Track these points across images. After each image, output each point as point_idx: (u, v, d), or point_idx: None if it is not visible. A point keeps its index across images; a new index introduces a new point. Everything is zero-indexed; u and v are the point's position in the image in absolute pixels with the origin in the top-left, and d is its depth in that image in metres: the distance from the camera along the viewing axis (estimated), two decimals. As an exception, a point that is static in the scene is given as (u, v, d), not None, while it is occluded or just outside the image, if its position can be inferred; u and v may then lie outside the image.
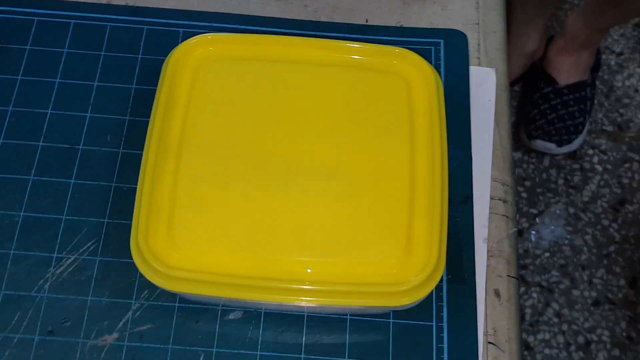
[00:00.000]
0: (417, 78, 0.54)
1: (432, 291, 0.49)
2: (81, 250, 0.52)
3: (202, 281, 0.46)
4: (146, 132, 0.52)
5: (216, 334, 0.50)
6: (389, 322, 0.51)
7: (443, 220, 0.48)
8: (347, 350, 0.50)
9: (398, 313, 0.52)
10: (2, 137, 0.56)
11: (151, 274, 0.46)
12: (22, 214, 0.53)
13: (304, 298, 0.46)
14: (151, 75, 0.59)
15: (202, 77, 0.53)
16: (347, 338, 0.51)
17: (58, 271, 0.52)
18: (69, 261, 0.52)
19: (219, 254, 0.47)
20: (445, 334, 0.51)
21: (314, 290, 0.46)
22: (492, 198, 0.56)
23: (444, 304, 0.52)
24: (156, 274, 0.46)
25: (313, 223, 0.48)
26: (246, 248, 0.47)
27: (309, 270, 0.47)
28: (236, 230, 0.48)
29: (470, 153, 0.57)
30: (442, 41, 0.62)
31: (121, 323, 0.50)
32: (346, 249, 0.47)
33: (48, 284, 0.51)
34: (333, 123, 0.52)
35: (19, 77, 0.59)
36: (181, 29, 0.62)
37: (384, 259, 0.47)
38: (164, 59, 0.55)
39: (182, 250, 0.47)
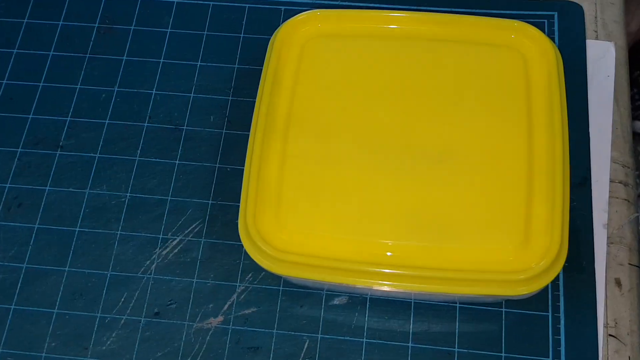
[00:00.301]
0: (535, 53, 0.51)
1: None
2: (186, 232, 0.52)
3: (311, 265, 0.44)
4: (249, 112, 0.51)
5: (321, 320, 0.49)
6: (502, 311, 0.49)
7: (565, 205, 0.45)
8: (456, 340, 0.48)
9: (511, 302, 0.49)
10: (108, 118, 0.56)
11: (259, 256, 0.45)
12: (128, 194, 0.53)
13: (416, 285, 0.44)
14: (253, 55, 0.58)
15: (310, 55, 0.52)
16: (457, 327, 0.49)
17: (164, 252, 0.51)
18: (175, 242, 0.52)
19: (328, 237, 0.46)
20: (562, 325, 0.48)
21: (428, 277, 0.44)
22: (612, 181, 0.53)
23: (561, 293, 0.49)
24: (264, 256, 0.45)
25: (425, 206, 0.46)
26: (356, 231, 0.46)
27: (419, 256, 0.45)
28: (345, 212, 0.46)
29: (588, 132, 0.54)
30: (556, 13, 0.58)
31: (226, 306, 0.50)
32: (461, 234, 0.45)
33: (154, 265, 0.51)
34: (446, 102, 0.49)
35: (124, 58, 0.59)
36: (283, 7, 0.60)
37: (501, 245, 0.45)
38: (266, 38, 0.54)
39: (290, 233, 0.46)
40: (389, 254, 0.45)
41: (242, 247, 0.46)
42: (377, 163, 0.47)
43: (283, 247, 0.45)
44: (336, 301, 0.50)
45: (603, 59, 0.56)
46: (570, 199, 0.51)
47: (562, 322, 0.49)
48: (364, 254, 0.45)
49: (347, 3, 0.60)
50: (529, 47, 0.51)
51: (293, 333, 0.49)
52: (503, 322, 0.49)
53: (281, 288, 0.50)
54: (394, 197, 0.46)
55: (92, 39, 0.60)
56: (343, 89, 0.50)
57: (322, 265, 0.44)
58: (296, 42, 0.52)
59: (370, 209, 0.46)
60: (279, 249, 0.45)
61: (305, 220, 0.46)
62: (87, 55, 0.59)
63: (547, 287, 0.49)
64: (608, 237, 0.51)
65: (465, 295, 0.47)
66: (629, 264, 0.51)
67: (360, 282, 0.44)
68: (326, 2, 0.60)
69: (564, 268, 0.50)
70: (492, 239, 0.45)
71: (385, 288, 0.44)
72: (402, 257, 0.45)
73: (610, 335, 0.48)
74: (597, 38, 0.58)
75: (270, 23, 0.59)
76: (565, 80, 0.52)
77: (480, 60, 0.51)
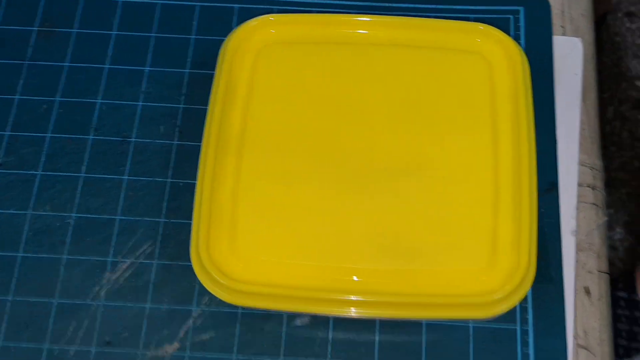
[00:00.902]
0: (501, 58, 0.48)
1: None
2: (138, 254, 0.49)
3: (271, 295, 0.42)
4: (202, 121, 0.48)
5: (283, 342, 0.47)
6: (468, 325, 0.47)
7: (532, 220, 0.44)
8: (423, 357, 0.46)
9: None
10: (50, 131, 0.53)
11: (214, 287, 0.43)
12: (74, 215, 0.50)
13: (381, 311, 0.42)
14: (206, 58, 0.55)
15: (264, 64, 0.49)
16: (424, 343, 0.47)
17: (114, 277, 0.49)
18: (125, 265, 0.49)
19: (287, 263, 0.43)
20: (530, 339, 0.47)
21: (393, 303, 0.42)
22: (579, 185, 0.51)
23: (529, 305, 0.48)
24: (219, 287, 0.42)
25: (389, 227, 0.44)
26: (317, 257, 0.43)
27: (383, 280, 0.43)
28: (305, 236, 0.44)
29: (555, 135, 0.52)
30: (521, 9, 0.55)
31: (182, 332, 0.47)
32: (426, 256, 0.43)
33: (104, 291, 0.48)
34: (409, 112, 0.47)
35: (67, 64, 0.55)
36: (236, 5, 0.57)
37: (467, 267, 0.43)
38: (220, 40, 0.51)
39: (247, 260, 0.43)
40: (354, 278, 0.43)
41: (197, 271, 0.44)
42: (338, 180, 0.45)
43: (239, 275, 0.43)
44: (298, 322, 0.47)
45: (570, 55, 0.54)
46: (538, 206, 0.50)
47: (531, 335, 0.47)
48: (327, 280, 0.43)
49: (306, 9, 0.56)
50: (495, 51, 0.49)
51: (254, 357, 0.47)
52: (471, 336, 0.47)
53: (240, 311, 0.48)
54: (356, 218, 0.44)
55: (31, 43, 0.56)
56: (301, 99, 0.47)
57: (283, 295, 0.42)
58: (249, 50, 0.49)
59: (332, 232, 0.44)
60: (234, 278, 0.43)
61: (263, 246, 0.44)
62: (26, 62, 0.55)
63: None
64: (577, 244, 0.50)
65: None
66: (598, 271, 0.49)
67: (324, 311, 0.42)
68: (284, 1, 0.57)
69: (533, 279, 0.48)
70: (458, 260, 0.43)
71: (351, 315, 0.42)
72: (367, 282, 0.43)
73: (579, 345, 0.47)
74: (564, 34, 0.55)
75: (223, 23, 0.56)
76: (531, 80, 0.49)
77: (445, 67, 0.48)
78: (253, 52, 0.49)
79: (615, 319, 1.16)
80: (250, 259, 0.43)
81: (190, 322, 0.47)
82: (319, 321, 0.47)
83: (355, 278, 0.43)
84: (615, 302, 1.16)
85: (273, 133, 0.46)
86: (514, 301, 0.42)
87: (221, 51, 0.49)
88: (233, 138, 0.46)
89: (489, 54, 0.49)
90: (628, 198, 1.31)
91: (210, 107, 0.47)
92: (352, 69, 0.48)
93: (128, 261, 0.49)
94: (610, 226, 1.29)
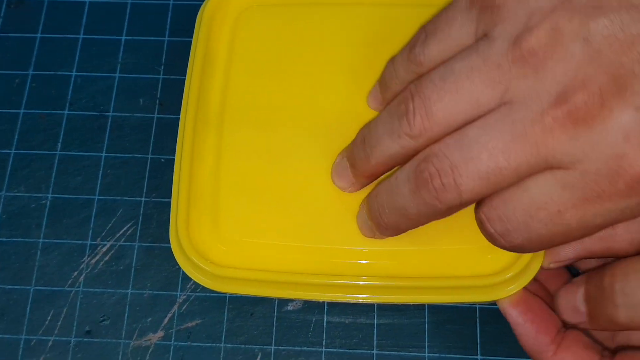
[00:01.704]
0: None
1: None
2: (118, 235, 0.46)
3: (256, 280, 0.39)
4: (183, 92, 0.44)
5: (274, 329, 0.44)
6: (475, 307, 0.44)
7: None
8: (426, 343, 0.43)
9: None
10: (23, 107, 0.49)
11: (197, 273, 0.39)
12: (49, 195, 0.47)
13: (376, 296, 0.39)
14: (186, 25, 0.51)
15: (244, 29, 0.45)
16: (426, 330, 0.44)
17: (93, 261, 0.45)
18: (105, 248, 0.46)
19: (273, 245, 0.40)
20: (541, 320, 0.44)
21: (389, 287, 0.38)
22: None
23: (539, 282, 0.44)
24: (202, 273, 0.39)
25: None
26: (305, 238, 0.40)
27: (378, 262, 0.39)
28: (294, 216, 0.40)
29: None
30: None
31: (166, 319, 0.44)
32: (425, 234, 0.39)
33: (83, 276, 0.45)
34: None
35: (39, 35, 0.51)
36: (218, -34, 0.53)
37: (471, 244, 0.39)
38: (199, 4, 0.47)
39: (230, 242, 0.40)
40: (348, 261, 0.39)
41: (180, 254, 0.40)
42: (328, 154, 0.41)
43: (222, 260, 0.39)
44: (290, 306, 0.44)
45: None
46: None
47: (542, 315, 0.44)
48: (318, 263, 0.39)
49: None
50: None
51: (243, 346, 0.43)
52: (477, 319, 0.44)
53: (228, 295, 0.44)
54: (348, 195, 0.40)
55: (1, 15, 0.52)
56: (286, 66, 0.43)
57: (270, 280, 0.39)
58: (228, 14, 0.45)
59: (322, 211, 0.40)
60: (218, 263, 0.39)
61: (246, 226, 0.40)
62: (-4, 33, 0.52)
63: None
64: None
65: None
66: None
67: (315, 297, 0.39)
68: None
69: (542, 254, 0.45)
70: (461, 238, 0.39)
71: (346, 300, 0.39)
72: (362, 265, 0.39)
73: (594, 326, 0.44)
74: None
75: (203, -14, 0.52)
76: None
77: None
78: (232, 16, 0.45)
79: None
80: (234, 241, 0.40)
81: (175, 308, 0.44)
82: (312, 305, 0.44)
83: (348, 260, 0.39)
84: None
85: (256, 104, 0.42)
86: (524, 281, 0.38)
87: (198, 16, 0.45)
88: (213, 111, 0.43)
89: None
90: None
91: (187, 79, 0.43)
92: (341, 32, 0.44)
93: (108, 244, 0.46)
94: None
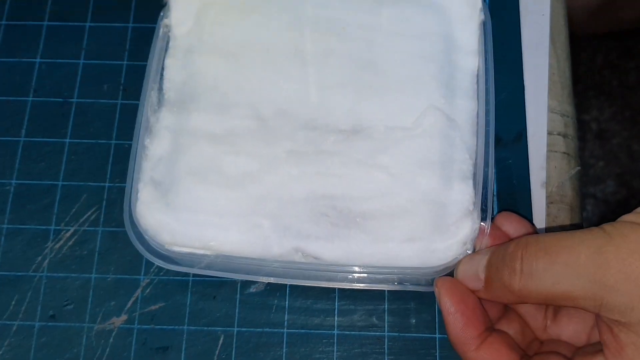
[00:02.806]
0: (462, 9, 0.45)
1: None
2: (81, 220, 0.46)
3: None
4: (146, 78, 0.45)
5: (237, 311, 0.44)
6: (433, 290, 0.44)
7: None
8: (386, 324, 0.44)
9: (444, 278, 0.45)
10: (-13, 94, 0.50)
11: (152, 255, 0.40)
12: (13, 181, 0.47)
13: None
14: (150, 11, 0.51)
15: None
16: (386, 310, 0.44)
17: (57, 246, 0.46)
18: (69, 233, 0.46)
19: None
20: (499, 299, 0.44)
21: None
22: (549, 133, 0.48)
23: (498, 263, 0.45)
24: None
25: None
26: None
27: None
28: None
29: (523, 81, 0.49)
30: (487, -53, 0.52)
31: (130, 302, 0.44)
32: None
33: (47, 261, 0.45)
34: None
35: (2, 23, 0.51)
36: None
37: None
38: (164, -11, 0.47)
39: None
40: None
41: (145, 235, 0.41)
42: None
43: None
44: (253, 289, 0.45)
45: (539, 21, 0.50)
46: (504, 157, 0.47)
47: (500, 295, 0.44)
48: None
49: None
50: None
51: (206, 328, 0.44)
52: (436, 301, 0.44)
53: (191, 278, 0.45)
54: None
55: (-35, 1, 0.52)
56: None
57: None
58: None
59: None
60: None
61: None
62: (-40, 20, 0.52)
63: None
64: (547, 197, 0.47)
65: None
66: (571, 224, 0.46)
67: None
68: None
69: (501, 235, 0.45)
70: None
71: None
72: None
73: (552, 306, 0.44)
74: (531, -29, 0.52)
75: (168, -29, 0.52)
76: (495, 21, 0.46)
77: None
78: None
79: None
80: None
81: (138, 292, 0.45)
82: (274, 288, 0.45)
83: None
84: None
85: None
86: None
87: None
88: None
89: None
90: (619, 149, 1.27)
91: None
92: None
93: (71, 229, 0.46)
94: (601, 179, 1.26)
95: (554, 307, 0.39)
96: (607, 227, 0.33)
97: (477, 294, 0.37)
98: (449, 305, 0.37)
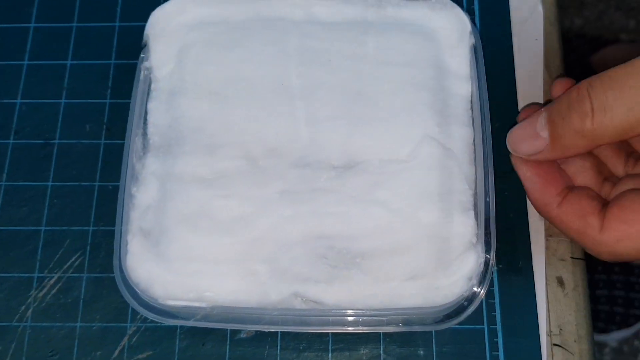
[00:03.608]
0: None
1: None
2: (65, 267, 0.45)
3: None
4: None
5: (227, 358, 0.43)
6: (431, 331, 0.43)
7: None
8: (383, 367, 0.42)
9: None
10: (-34, 137, 0.48)
11: (145, 310, 0.38)
12: (-5, 228, 0.46)
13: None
14: (133, 46, 0.49)
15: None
16: (382, 353, 0.43)
17: (40, 294, 0.44)
18: (52, 281, 0.45)
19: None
20: (500, 339, 0.43)
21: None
22: (547, 162, 0.46)
23: (496, 301, 0.44)
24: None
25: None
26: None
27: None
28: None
29: (517, 108, 0.47)
30: (475, -29, 0.51)
31: (116, 352, 0.43)
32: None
33: (30, 310, 0.44)
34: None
35: (-18, 62, 0.50)
36: (165, -16, 0.52)
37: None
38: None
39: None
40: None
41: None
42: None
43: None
44: (243, 334, 0.43)
45: (530, 19, 0.49)
46: (501, 188, 0.46)
47: (500, 335, 0.43)
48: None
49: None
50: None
51: (196, 377, 0.42)
52: (434, 342, 0.43)
53: (179, 325, 0.43)
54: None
55: (-57, 40, 0.51)
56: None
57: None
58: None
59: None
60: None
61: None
62: (-63, 61, 0.51)
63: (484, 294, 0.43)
64: (546, 230, 0.45)
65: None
66: (572, 257, 0.45)
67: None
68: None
69: (498, 271, 0.44)
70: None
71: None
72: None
73: (555, 344, 0.43)
74: (523, -5, 0.50)
75: (150, 5, 0.50)
76: (488, 49, 0.45)
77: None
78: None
79: (610, 285, 1.11)
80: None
81: (125, 340, 0.43)
82: (265, 333, 0.43)
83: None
84: (609, 269, 1.11)
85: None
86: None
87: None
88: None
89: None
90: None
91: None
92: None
93: (55, 276, 0.45)
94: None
95: (635, 154, 0.40)
96: None
97: (542, 155, 0.37)
98: (525, 170, 0.39)
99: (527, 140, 0.37)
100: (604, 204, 0.37)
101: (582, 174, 0.40)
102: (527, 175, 0.38)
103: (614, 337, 1.13)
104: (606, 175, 0.41)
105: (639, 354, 1.15)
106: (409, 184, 0.40)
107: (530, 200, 0.39)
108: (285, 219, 0.39)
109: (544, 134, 0.36)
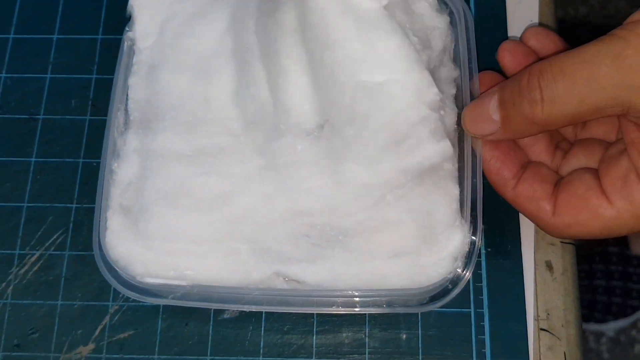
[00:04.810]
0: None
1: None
2: (47, 244, 0.44)
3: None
4: (114, 93, 0.42)
5: (210, 338, 0.42)
6: (416, 313, 0.42)
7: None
8: (366, 350, 0.42)
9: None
10: (-50, 111, 0.47)
11: (123, 287, 0.38)
12: (-23, 204, 0.45)
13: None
14: (120, 21, 0.48)
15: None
16: (367, 335, 0.42)
17: (21, 271, 0.44)
18: (34, 258, 0.44)
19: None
20: (486, 323, 0.42)
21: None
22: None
23: (484, 284, 0.43)
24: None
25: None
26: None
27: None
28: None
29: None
30: (471, -50, 0.49)
31: (97, 331, 0.42)
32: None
33: (11, 287, 0.43)
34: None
35: (-33, 36, 0.49)
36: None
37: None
38: (133, -1, 0.45)
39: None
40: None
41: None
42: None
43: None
44: (227, 315, 0.43)
45: (524, 1, 0.48)
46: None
47: (487, 318, 0.42)
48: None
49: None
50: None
51: (178, 357, 0.42)
52: (419, 325, 0.42)
53: (161, 304, 0.43)
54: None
55: None
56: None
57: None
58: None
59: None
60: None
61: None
62: None
63: (469, 277, 0.42)
64: (537, 214, 0.44)
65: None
66: (561, 242, 0.44)
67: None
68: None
69: (486, 254, 0.44)
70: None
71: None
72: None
73: (542, 329, 0.42)
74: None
75: (138, -20, 0.50)
76: (481, 35, 0.44)
77: None
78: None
79: (608, 275, 1.10)
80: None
81: (106, 319, 0.43)
82: (249, 313, 0.43)
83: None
84: (607, 259, 1.11)
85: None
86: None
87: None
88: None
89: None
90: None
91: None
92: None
93: (37, 253, 0.44)
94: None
95: None
96: (618, 32, 0.33)
97: (494, 137, 0.37)
98: (482, 151, 0.39)
99: (480, 122, 0.37)
100: (557, 182, 0.38)
101: (536, 144, 0.40)
102: (484, 156, 0.39)
103: (611, 327, 1.12)
104: (558, 141, 0.41)
105: (635, 344, 1.14)
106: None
107: (489, 181, 0.40)
108: (266, 196, 0.39)
109: (496, 116, 0.36)
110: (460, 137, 0.40)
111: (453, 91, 0.41)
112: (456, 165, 0.39)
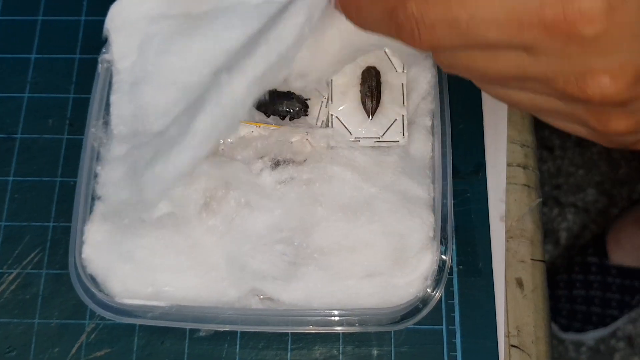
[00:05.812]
0: None
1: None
2: (24, 263, 0.45)
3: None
4: (94, 112, 0.43)
5: (186, 356, 0.43)
6: (389, 331, 0.43)
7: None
8: (341, 367, 0.42)
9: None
10: None
11: (99, 307, 0.38)
12: (-46, 222, 0.46)
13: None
14: (98, 41, 0.49)
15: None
16: (340, 352, 0.43)
17: (-2, 290, 0.44)
18: (11, 277, 0.44)
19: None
20: (458, 340, 0.43)
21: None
22: (509, 165, 0.47)
23: (455, 301, 0.44)
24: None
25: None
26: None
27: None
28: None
29: (481, 110, 0.47)
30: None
31: (74, 349, 0.43)
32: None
33: (-12, 306, 0.44)
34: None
35: (-55, 55, 0.50)
36: (132, -21, 0.51)
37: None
38: (111, 20, 0.45)
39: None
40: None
41: (91, 275, 0.39)
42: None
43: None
44: (202, 333, 0.43)
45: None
46: (463, 190, 0.46)
47: (458, 335, 0.43)
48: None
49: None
50: None
51: (153, 375, 0.42)
52: (392, 342, 0.43)
53: (138, 323, 0.43)
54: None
55: None
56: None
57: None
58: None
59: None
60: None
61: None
62: None
63: (440, 296, 0.43)
64: (507, 231, 0.45)
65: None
66: (532, 259, 0.45)
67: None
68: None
69: (458, 272, 0.44)
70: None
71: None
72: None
73: (512, 345, 0.43)
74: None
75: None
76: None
77: None
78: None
79: (587, 285, 1.12)
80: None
81: (83, 337, 0.43)
82: (224, 331, 0.43)
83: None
84: (586, 269, 1.12)
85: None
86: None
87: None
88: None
89: None
90: (599, 157, 1.26)
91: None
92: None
93: (14, 272, 0.44)
94: (581, 187, 1.25)
95: None
96: None
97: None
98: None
99: None
100: None
101: None
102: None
103: (590, 337, 1.13)
104: None
105: (615, 353, 1.15)
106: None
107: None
108: (245, 213, 0.39)
109: None
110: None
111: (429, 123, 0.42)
112: (432, 194, 0.40)
